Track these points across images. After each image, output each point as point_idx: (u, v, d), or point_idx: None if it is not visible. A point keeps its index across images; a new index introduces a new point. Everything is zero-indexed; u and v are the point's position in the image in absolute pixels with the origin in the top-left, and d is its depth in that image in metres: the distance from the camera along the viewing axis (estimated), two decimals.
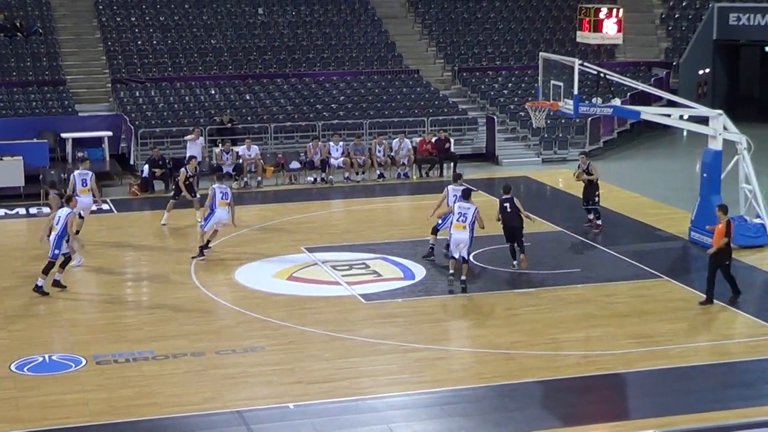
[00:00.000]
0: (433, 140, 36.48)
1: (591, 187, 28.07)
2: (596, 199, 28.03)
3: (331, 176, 35.41)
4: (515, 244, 24.55)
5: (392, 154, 36.05)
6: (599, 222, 27.91)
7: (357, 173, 35.88)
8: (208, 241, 25.82)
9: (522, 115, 39.25)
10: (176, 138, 36.44)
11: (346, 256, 25.68)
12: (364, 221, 29.66)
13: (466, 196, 23.96)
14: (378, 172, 35.96)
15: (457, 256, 23.27)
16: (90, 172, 27.47)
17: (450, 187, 25.66)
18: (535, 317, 21.33)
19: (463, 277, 22.94)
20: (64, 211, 23.04)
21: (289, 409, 16.77)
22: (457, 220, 23.29)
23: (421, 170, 36.19)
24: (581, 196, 28.44)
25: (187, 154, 32.87)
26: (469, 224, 23.12)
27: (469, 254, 23.30)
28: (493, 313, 21.65)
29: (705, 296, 22.02)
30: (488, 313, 21.66)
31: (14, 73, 40.67)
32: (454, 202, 24.33)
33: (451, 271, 23.31)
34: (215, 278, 24.16)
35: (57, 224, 22.77)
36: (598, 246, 26.60)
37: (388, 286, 23.50)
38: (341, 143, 35.94)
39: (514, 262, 24.51)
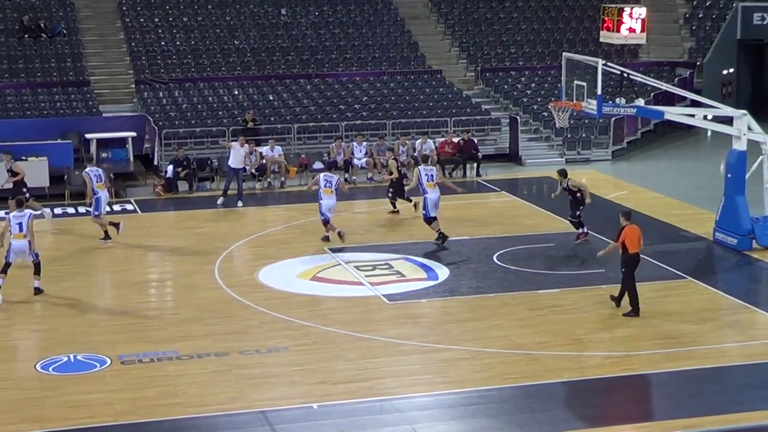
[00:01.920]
0: (455, 140, 36.46)
1: (574, 201, 26.77)
2: (578, 213, 26.75)
3: (354, 176, 35.43)
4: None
5: (415, 154, 36.03)
6: (582, 231, 26.87)
7: (380, 173, 35.87)
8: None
9: (545, 116, 39.19)
10: (199, 138, 36.52)
11: (369, 256, 25.69)
12: (387, 221, 29.65)
13: (430, 160, 28.86)
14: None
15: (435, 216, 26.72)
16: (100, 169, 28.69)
17: (421, 167, 27.60)
18: (559, 318, 21.29)
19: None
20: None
21: (312, 410, 16.77)
22: (428, 181, 26.85)
23: (444, 170, 36.14)
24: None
25: (231, 160, 32.57)
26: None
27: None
28: (516, 313, 21.60)
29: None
30: (512, 313, 21.61)
31: (39, 74, 40.83)
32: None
33: (439, 233, 26.54)
34: (239, 278, 24.20)
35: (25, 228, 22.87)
36: None
37: (412, 286, 23.49)
38: (364, 143, 35.97)
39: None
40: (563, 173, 27.02)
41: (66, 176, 33.01)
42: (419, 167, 27.71)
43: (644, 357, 19.15)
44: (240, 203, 31.74)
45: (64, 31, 42.98)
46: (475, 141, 37.04)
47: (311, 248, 26.60)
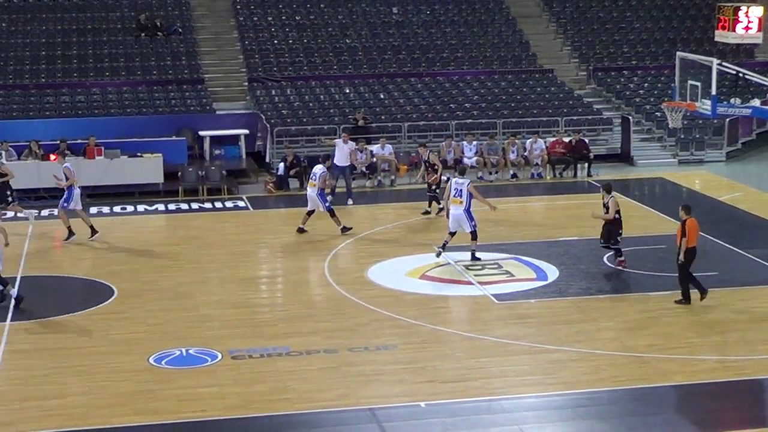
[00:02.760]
0: (566, 140, 36.25)
1: (610, 224, 24.41)
2: (618, 237, 24.38)
3: None
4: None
5: (525, 154, 35.90)
6: (621, 258, 24.62)
7: (490, 173, 35.83)
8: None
9: (658, 116, 38.75)
10: (311, 136, 36.82)
11: (478, 255, 25.61)
12: (497, 221, 29.53)
13: (461, 172, 26.01)
14: (511, 172, 35.87)
15: (454, 231, 25.22)
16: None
17: (453, 179, 26.03)
18: (670, 320, 21.03)
19: (473, 248, 25.12)
20: None
21: (420, 408, 16.80)
22: (453, 196, 25.19)
23: (555, 170, 35.96)
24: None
25: (335, 156, 32.87)
26: (465, 199, 24.93)
27: (473, 228, 25.00)
28: (626, 315, 21.38)
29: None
30: (622, 315, 21.40)
31: (154, 72, 41.51)
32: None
33: (444, 242, 25.16)
34: (348, 276, 24.33)
35: None
36: (736, 249, 26.08)
37: (521, 286, 23.40)
38: (474, 143, 35.94)
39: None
40: (607, 187, 24.78)
41: (180, 173, 33.51)
42: (452, 179, 25.95)
43: (758, 362, 18.82)
44: (350, 201, 31.95)
45: (180, 30, 43.63)
46: (586, 141, 36.78)
47: (420, 247, 26.63)
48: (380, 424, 16.23)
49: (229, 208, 31.75)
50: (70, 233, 27.90)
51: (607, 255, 25.01)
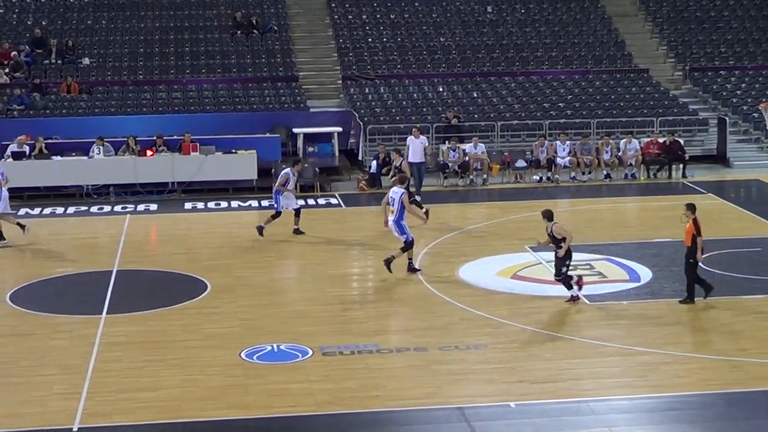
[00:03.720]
0: (661, 141, 35.89)
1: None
2: (564, 270, 22.08)
3: (557, 175, 35.26)
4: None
5: (619, 154, 35.62)
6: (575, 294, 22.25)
7: (583, 173, 35.61)
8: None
9: (755, 117, 38.18)
10: (404, 135, 36.88)
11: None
12: (589, 221, 29.38)
13: (401, 181, 25.01)
14: (605, 172, 35.62)
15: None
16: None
17: (391, 189, 25.18)
18: (764, 324, 20.71)
19: (394, 254, 24.09)
20: None
21: (510, 408, 16.75)
22: (388, 204, 24.52)
23: (649, 171, 35.62)
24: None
25: (409, 152, 33.11)
26: (397, 209, 24.13)
27: (404, 239, 24.08)
28: (719, 318, 21.11)
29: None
30: (715, 318, 21.14)
31: (250, 69, 41.91)
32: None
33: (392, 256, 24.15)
34: (439, 274, 24.33)
35: None
36: None
37: (613, 287, 23.22)
38: (568, 142, 35.75)
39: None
40: (548, 215, 22.22)
41: (273, 169, 33.77)
42: (392, 188, 24.93)
43: None
44: (417, 197, 32.05)
45: (275, 28, 44.00)
46: (681, 142, 36.36)
47: (511, 246, 26.56)
48: (470, 423, 16.21)
49: (322, 205, 31.96)
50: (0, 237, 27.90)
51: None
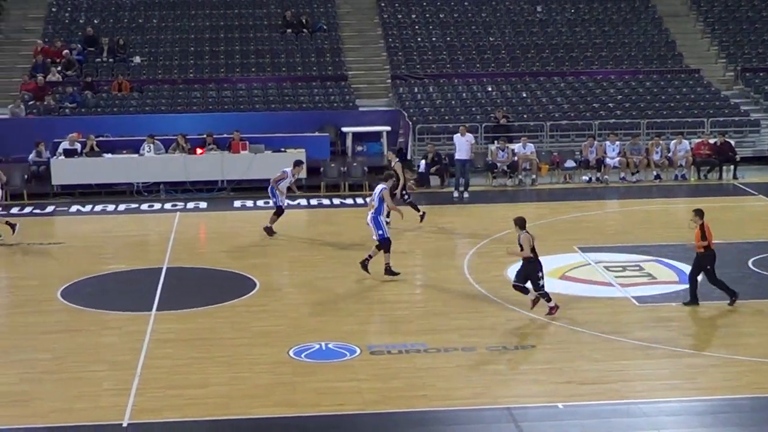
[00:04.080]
0: (712, 141, 35.64)
1: (527, 264, 20.94)
2: (539, 281, 20.92)
3: (606, 176, 35.10)
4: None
5: (669, 155, 35.40)
6: (551, 305, 21.14)
7: (633, 174, 35.43)
8: None
9: None
10: (452, 134, 36.77)
11: (619, 257, 25.37)
12: (639, 222, 29.22)
13: (385, 177, 24.68)
14: (654, 173, 35.41)
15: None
16: None
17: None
18: None
19: (371, 253, 23.88)
20: None
21: (558, 409, 16.67)
22: (372, 200, 24.16)
23: (700, 172, 35.39)
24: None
25: (456, 150, 33.28)
26: (377, 203, 23.79)
27: (380, 237, 23.78)
28: None
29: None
30: (766, 321, 20.93)
31: (299, 68, 42.04)
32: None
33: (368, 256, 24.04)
34: (487, 274, 24.28)
35: None
36: None
37: (663, 289, 23.06)
38: (617, 143, 35.59)
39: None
40: (519, 223, 21.13)
41: (322, 168, 33.88)
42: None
43: None
44: (465, 194, 32.03)
45: (325, 27, 44.11)
46: (732, 143, 36.09)
47: (560, 247, 26.45)
48: (517, 423, 16.16)
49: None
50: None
51: (751, 259, 24.53)
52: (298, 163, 28.74)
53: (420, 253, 26.80)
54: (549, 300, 20.97)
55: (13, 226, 28.11)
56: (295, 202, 32.24)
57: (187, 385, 17.59)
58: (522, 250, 20.69)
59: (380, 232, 23.91)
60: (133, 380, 17.71)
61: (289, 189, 28.33)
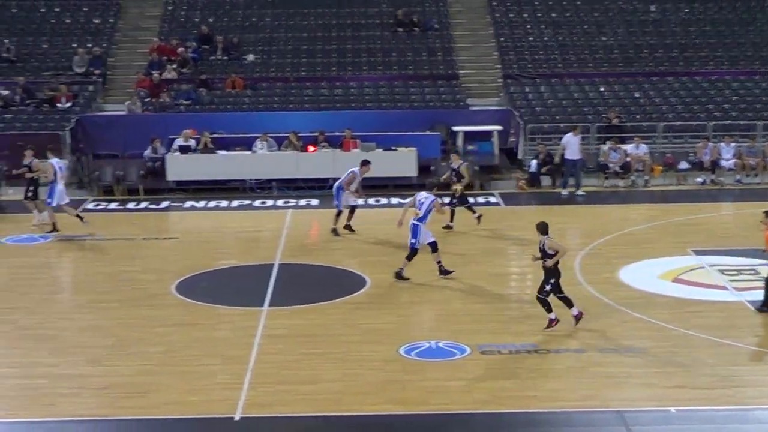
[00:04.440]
0: None
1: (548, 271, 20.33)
2: (547, 287, 20.29)
3: (721, 178, 34.59)
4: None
5: None
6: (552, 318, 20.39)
7: (749, 176, 34.85)
8: None
9: None
10: (563, 134, 36.51)
11: (734, 260, 25.01)
12: (754, 226, 28.64)
13: (429, 187, 24.76)
14: None
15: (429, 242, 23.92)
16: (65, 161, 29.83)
17: (418, 193, 24.66)
18: None
19: (402, 266, 23.73)
20: None
21: (670, 413, 16.49)
22: (414, 206, 24.16)
23: None
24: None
25: (567, 151, 33.21)
26: (423, 212, 23.72)
27: (413, 245, 23.64)
28: None
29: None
30: None
31: (410, 67, 42.11)
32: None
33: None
34: (599, 276, 24.10)
35: None
36: None
37: None
38: (733, 144, 35.07)
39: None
40: (542, 229, 20.54)
41: (433, 167, 33.91)
42: (418, 193, 24.70)
43: None
44: (576, 194, 31.81)
45: (436, 26, 44.13)
46: None
47: (673, 249, 26.15)
48: (629, 427, 16.01)
49: (481, 204, 31.93)
50: (54, 229, 28.53)
51: None
52: (365, 163, 28.64)
53: (531, 253, 26.62)
54: (549, 311, 20.14)
55: (81, 218, 28.84)
56: (406, 201, 32.21)
57: (298, 380, 17.75)
58: (556, 253, 20.10)
59: (414, 240, 23.83)
60: (246, 375, 17.94)
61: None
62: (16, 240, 28.07)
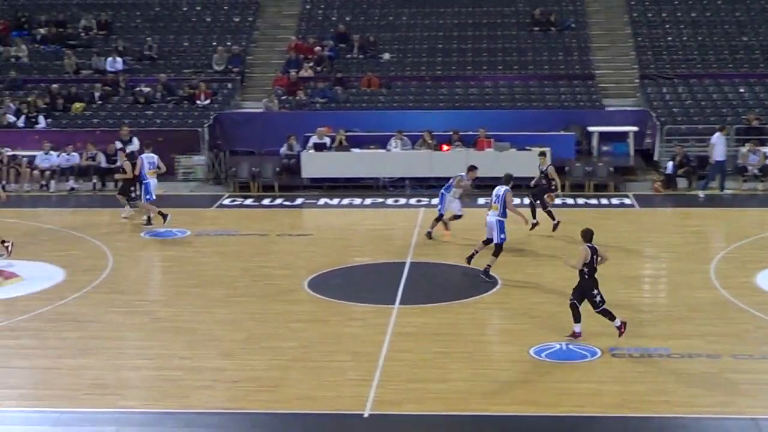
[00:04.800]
0: None
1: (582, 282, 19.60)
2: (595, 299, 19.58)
3: None
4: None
5: None
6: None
7: None
8: None
9: None
10: (702, 136, 35.97)
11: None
12: None
13: (506, 180, 24.30)
14: None
15: (487, 239, 23.91)
16: (156, 156, 29.90)
17: (497, 187, 24.28)
18: None
19: (489, 263, 23.51)
20: None
21: None
22: (493, 202, 23.80)
23: None
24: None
25: (715, 151, 32.74)
26: (500, 206, 23.52)
27: (501, 240, 23.53)
28: None
29: None
30: None
31: (546, 67, 41.88)
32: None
33: (474, 251, 24.19)
34: (735, 280, 23.65)
35: None
36: None
37: None
38: None
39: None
40: (583, 235, 19.72)
41: (567, 168, 33.67)
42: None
43: None
44: (725, 191, 31.30)
45: (573, 25, 43.80)
46: None
47: None
48: None
49: (615, 205, 31.63)
50: (164, 216, 29.19)
51: None
52: (472, 168, 28.09)
53: (665, 257, 26.35)
54: (612, 318, 19.40)
55: (165, 216, 29.30)
56: (538, 201, 32.08)
57: (427, 379, 17.80)
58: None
59: (502, 236, 23.71)
60: (375, 372, 18.05)
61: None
62: (154, 234, 28.70)
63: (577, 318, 19.58)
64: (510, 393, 17.21)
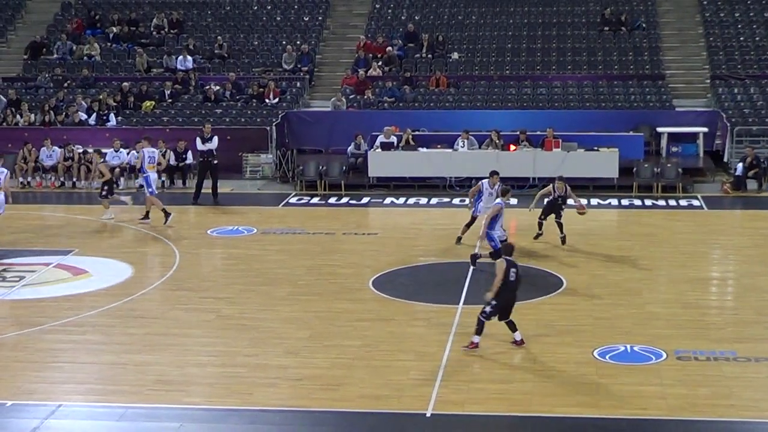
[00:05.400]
0: None
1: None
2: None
3: None
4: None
5: None
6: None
7: None
8: None
9: None
10: None
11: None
12: None
13: (503, 193, 24.78)
14: None
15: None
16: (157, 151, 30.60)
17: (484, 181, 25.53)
18: None
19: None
20: None
21: None
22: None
23: None
24: None
25: None
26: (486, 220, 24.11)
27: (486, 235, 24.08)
28: None
29: None
30: None
31: (615, 67, 41.62)
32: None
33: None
34: None
35: None
36: None
37: None
38: None
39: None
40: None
41: (635, 169, 33.43)
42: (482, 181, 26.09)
43: None
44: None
45: (644, 25, 43.49)
46: None
47: None
48: None
49: (683, 207, 31.36)
50: (167, 214, 29.53)
51: None
52: (493, 173, 26.83)
53: (734, 259, 26.07)
54: (479, 333, 19.07)
55: (167, 215, 29.64)
56: (606, 202, 31.98)
57: (490, 379, 17.78)
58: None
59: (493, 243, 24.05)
60: (438, 371, 18.05)
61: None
62: (221, 232, 28.91)
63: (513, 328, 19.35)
64: (573, 395, 17.12)
